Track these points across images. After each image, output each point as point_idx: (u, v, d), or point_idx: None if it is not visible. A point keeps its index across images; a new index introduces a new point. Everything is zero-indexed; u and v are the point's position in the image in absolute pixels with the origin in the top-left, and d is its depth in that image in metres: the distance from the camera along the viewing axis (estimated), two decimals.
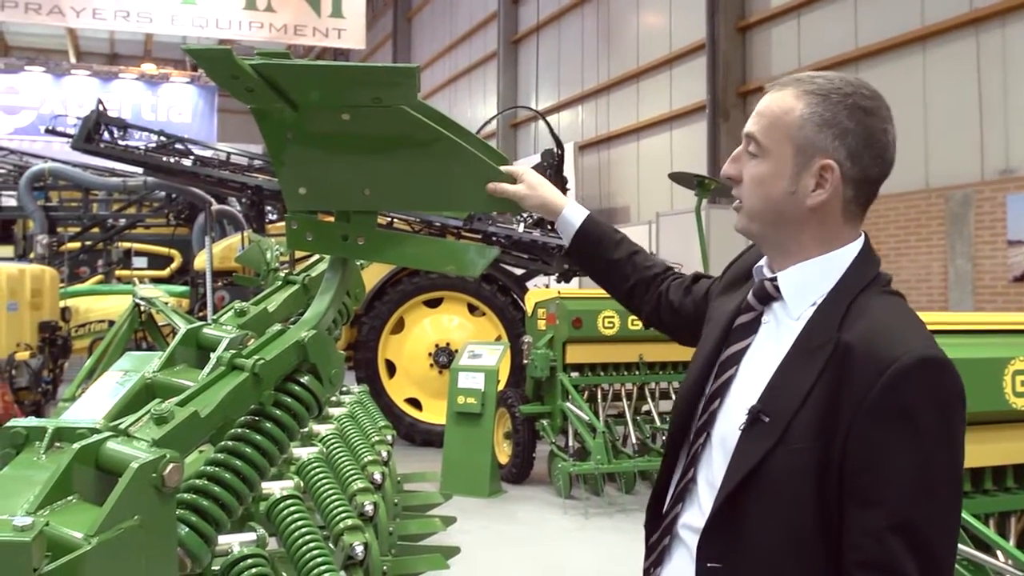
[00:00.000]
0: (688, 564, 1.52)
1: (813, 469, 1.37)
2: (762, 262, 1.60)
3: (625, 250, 1.94)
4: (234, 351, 1.71)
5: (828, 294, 1.48)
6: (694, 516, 1.53)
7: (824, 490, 1.37)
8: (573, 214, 1.90)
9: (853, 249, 1.51)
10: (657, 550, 1.60)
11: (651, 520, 1.67)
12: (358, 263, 2.80)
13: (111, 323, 9.46)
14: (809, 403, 1.39)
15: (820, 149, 1.46)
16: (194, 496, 1.61)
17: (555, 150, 10.95)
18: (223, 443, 1.70)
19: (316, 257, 2.95)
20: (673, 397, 8.29)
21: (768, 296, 1.54)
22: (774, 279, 1.54)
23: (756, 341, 1.54)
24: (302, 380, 1.75)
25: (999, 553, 3.07)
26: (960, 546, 2.95)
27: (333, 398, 4.64)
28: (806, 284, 1.50)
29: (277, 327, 1.82)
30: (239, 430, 1.70)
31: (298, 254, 6.85)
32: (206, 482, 1.63)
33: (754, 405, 1.44)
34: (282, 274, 2.81)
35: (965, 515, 3.03)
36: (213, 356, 1.80)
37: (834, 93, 1.46)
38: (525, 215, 10.65)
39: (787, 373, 1.44)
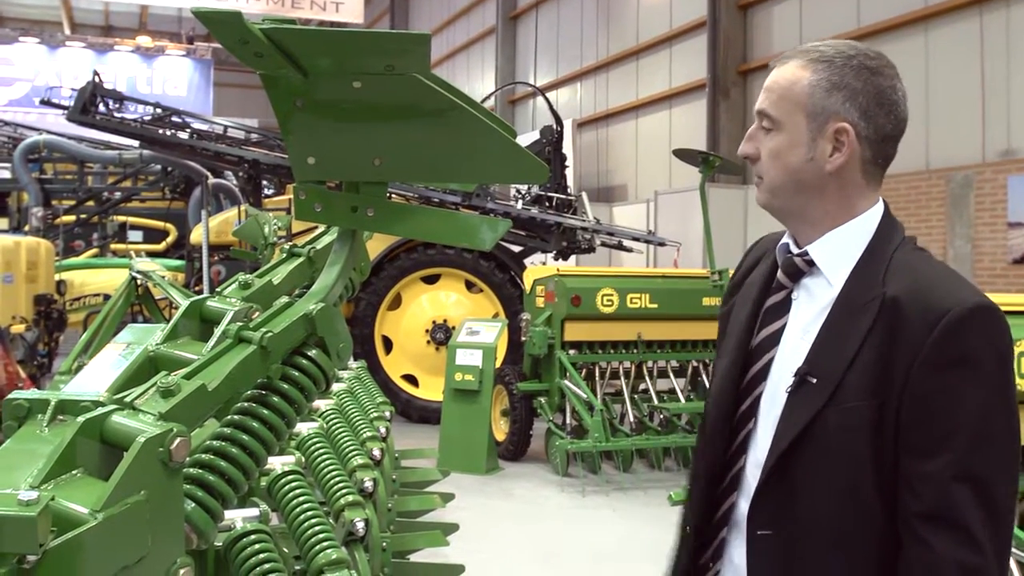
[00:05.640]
0: (740, 546, 1.50)
1: (868, 427, 1.35)
2: (785, 238, 1.58)
3: None
4: (241, 323, 1.67)
5: (862, 256, 1.47)
6: (744, 501, 1.51)
7: (881, 447, 1.34)
8: None
9: (876, 214, 1.53)
10: (715, 542, 1.56)
11: (694, 511, 1.62)
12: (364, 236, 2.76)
13: (106, 297, 9.41)
14: (859, 361, 1.37)
15: (832, 113, 1.47)
16: (201, 471, 1.58)
17: (554, 127, 10.89)
18: (229, 417, 1.67)
19: (319, 230, 2.90)
20: (671, 375, 8.28)
21: (798, 272, 1.52)
22: (804, 253, 1.52)
23: (791, 319, 1.52)
24: (310, 354, 1.71)
25: None
26: None
27: None
28: (838, 251, 1.49)
29: (284, 299, 1.78)
30: (246, 404, 1.67)
31: (296, 228, 6.80)
32: (213, 457, 1.60)
33: (800, 367, 1.42)
34: (286, 246, 2.76)
35: None
36: (218, 329, 1.76)
37: (838, 57, 1.48)
38: (523, 191, 10.61)
39: (832, 333, 1.42)
